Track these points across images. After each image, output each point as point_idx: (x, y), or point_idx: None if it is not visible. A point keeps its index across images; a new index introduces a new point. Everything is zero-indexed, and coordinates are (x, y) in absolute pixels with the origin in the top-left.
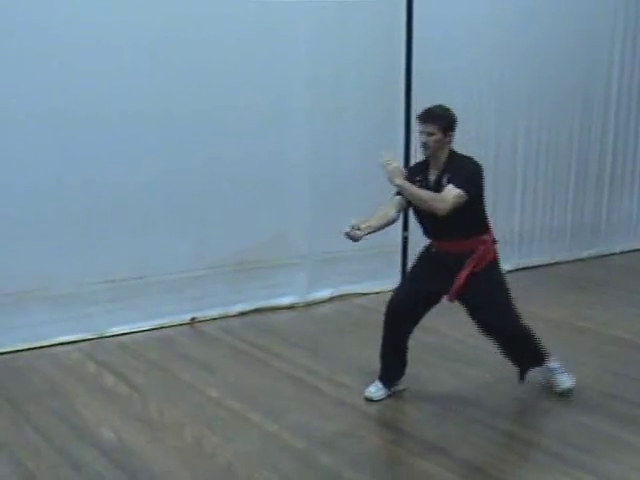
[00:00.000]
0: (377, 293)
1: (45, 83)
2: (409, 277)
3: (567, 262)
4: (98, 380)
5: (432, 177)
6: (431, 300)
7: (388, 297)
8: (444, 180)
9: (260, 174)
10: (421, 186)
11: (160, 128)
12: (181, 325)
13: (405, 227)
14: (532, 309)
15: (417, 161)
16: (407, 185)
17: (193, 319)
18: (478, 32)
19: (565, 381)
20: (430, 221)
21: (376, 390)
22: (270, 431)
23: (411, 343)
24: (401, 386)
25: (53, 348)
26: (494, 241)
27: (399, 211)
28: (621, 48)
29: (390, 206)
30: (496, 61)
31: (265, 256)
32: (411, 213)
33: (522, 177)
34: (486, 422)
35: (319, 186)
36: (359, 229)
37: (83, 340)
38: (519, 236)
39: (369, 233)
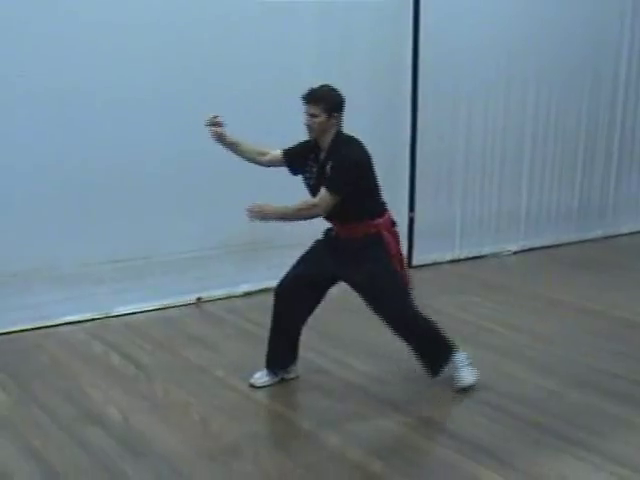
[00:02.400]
0: None
1: (49, 62)
2: (299, 260)
3: (574, 243)
4: (104, 360)
5: (321, 157)
6: (322, 284)
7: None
8: (327, 168)
9: None
10: (311, 166)
11: (166, 109)
12: (187, 305)
13: (411, 208)
14: (538, 290)
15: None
16: (277, 209)
17: (199, 299)
18: (485, 14)
19: (466, 377)
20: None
21: (260, 376)
22: (277, 411)
23: None
24: (292, 374)
25: (59, 328)
26: (392, 224)
27: (269, 163)
28: (630, 28)
29: (270, 152)
30: (503, 42)
31: (271, 236)
32: (418, 191)
33: (529, 158)
34: (493, 404)
35: None
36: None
37: (89, 320)
38: (525, 217)
39: (226, 142)
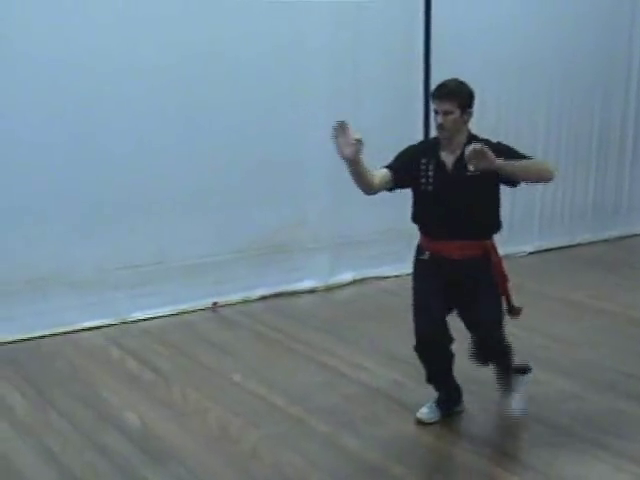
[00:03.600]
0: (398, 277)
1: (67, 73)
2: (424, 302)
3: (588, 243)
4: (122, 365)
5: (448, 161)
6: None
7: (408, 281)
8: (468, 167)
9: (280, 160)
10: (427, 170)
11: (182, 115)
12: (203, 310)
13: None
14: (553, 291)
15: (421, 140)
16: (508, 165)
17: (215, 304)
18: (498, 13)
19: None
20: (442, 212)
21: (429, 412)
22: (294, 415)
23: None
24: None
25: (77, 334)
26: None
27: (380, 188)
28: None
29: (375, 174)
30: (517, 41)
31: (286, 240)
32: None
33: (542, 158)
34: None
35: (339, 170)
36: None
37: (106, 325)
38: (540, 217)
39: (354, 165)
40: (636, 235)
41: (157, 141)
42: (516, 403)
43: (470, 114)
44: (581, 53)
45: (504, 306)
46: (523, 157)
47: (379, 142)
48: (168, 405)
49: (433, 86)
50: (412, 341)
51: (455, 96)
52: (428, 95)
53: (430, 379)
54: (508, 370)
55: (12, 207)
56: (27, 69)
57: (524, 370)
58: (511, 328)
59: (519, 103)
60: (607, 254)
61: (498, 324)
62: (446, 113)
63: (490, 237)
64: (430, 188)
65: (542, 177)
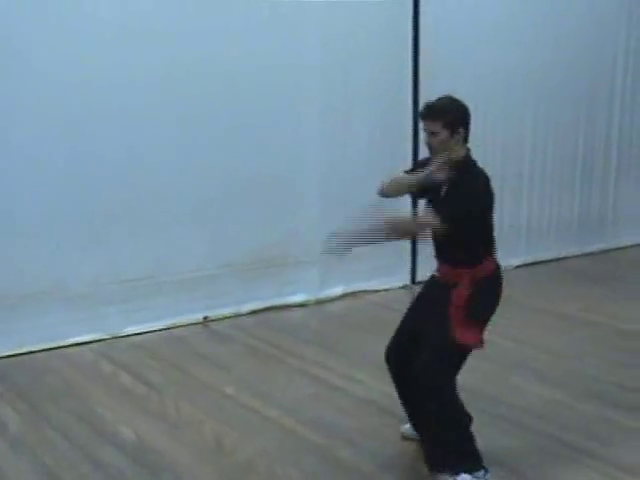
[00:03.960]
0: (387, 290)
1: (58, 83)
2: (400, 322)
3: (575, 256)
4: (114, 379)
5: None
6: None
7: (398, 294)
8: (442, 191)
9: (271, 175)
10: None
11: (173, 130)
12: (194, 324)
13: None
14: (541, 303)
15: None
16: (417, 224)
17: (206, 318)
18: (485, 29)
19: None
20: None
21: (409, 427)
22: (289, 427)
23: None
24: None
25: (68, 349)
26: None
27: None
28: (626, 37)
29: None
30: (503, 56)
31: (277, 254)
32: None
33: (529, 172)
34: (503, 416)
35: (329, 185)
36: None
37: (98, 340)
38: (527, 231)
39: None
40: (621, 248)
41: (150, 158)
42: None
43: (461, 133)
44: (566, 69)
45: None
46: (449, 211)
47: (369, 156)
48: (162, 418)
49: (422, 101)
50: None
51: (440, 117)
52: (417, 110)
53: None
54: (444, 437)
55: (4, 222)
56: (21, 83)
57: (474, 463)
58: (499, 339)
59: (506, 118)
60: (593, 267)
61: (435, 360)
62: (432, 134)
63: (464, 267)
64: (429, 205)
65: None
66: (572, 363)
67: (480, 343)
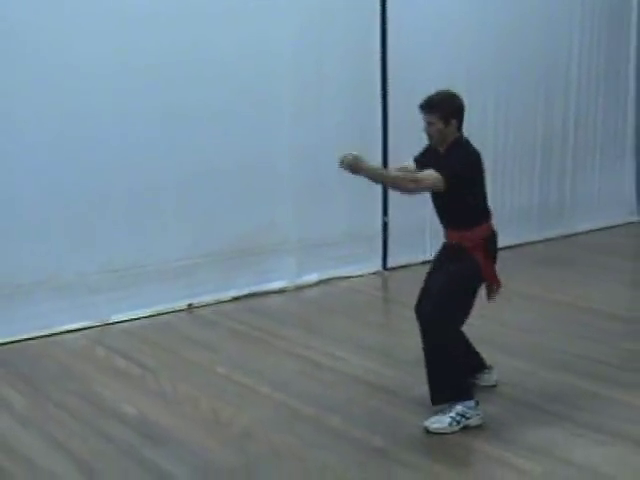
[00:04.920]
0: (360, 276)
1: (55, 79)
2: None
3: (535, 242)
4: (109, 363)
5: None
6: None
7: (370, 281)
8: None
9: (248, 167)
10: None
11: (157, 126)
12: (179, 311)
13: (385, 212)
14: (506, 285)
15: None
16: (372, 168)
17: (190, 305)
18: (447, 18)
19: (438, 424)
20: (435, 205)
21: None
22: (280, 400)
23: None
24: (483, 381)
25: (61, 335)
26: (485, 239)
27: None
28: (580, 30)
29: (405, 166)
30: (463, 51)
31: (255, 244)
32: (391, 196)
33: (491, 162)
34: (480, 386)
35: (303, 176)
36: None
37: (89, 327)
38: None
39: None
40: (578, 234)
41: (136, 151)
42: (435, 422)
43: (455, 124)
44: (523, 60)
45: (456, 297)
46: (443, 170)
47: (340, 146)
48: (160, 396)
49: (390, 90)
50: (379, 333)
51: (436, 109)
52: (386, 99)
53: None
54: (441, 376)
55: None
56: (17, 74)
57: (464, 395)
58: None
59: (468, 109)
60: (552, 252)
61: (436, 310)
62: (430, 124)
63: (467, 228)
64: None
65: (397, 185)
66: (537, 337)
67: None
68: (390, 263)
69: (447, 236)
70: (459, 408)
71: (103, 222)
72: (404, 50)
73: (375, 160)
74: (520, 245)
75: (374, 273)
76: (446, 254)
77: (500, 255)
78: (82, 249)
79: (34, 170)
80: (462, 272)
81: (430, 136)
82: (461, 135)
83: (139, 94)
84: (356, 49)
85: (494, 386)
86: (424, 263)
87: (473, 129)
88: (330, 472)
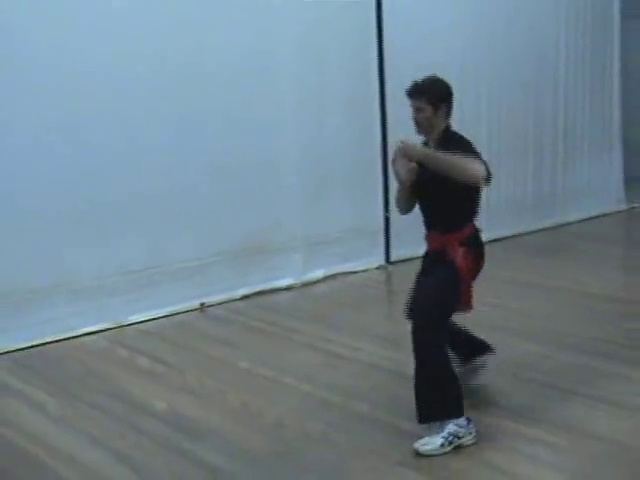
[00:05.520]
0: (364, 271)
1: (64, 86)
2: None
3: (529, 233)
4: (133, 362)
5: None
6: None
7: (374, 275)
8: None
9: (255, 169)
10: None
11: (167, 130)
12: (192, 310)
13: (386, 207)
14: (507, 274)
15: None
16: (429, 152)
17: (202, 304)
18: (442, 18)
19: (429, 446)
20: (421, 204)
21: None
22: (306, 391)
23: None
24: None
25: (81, 338)
26: (469, 241)
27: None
28: (566, 27)
29: None
30: (457, 47)
31: (262, 242)
32: (392, 192)
33: (485, 156)
34: (495, 368)
35: (309, 176)
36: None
37: (106, 329)
38: (486, 211)
39: (406, 189)
40: (570, 223)
41: (147, 156)
42: (426, 444)
43: (444, 110)
44: (513, 61)
45: (447, 301)
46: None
47: (342, 145)
48: (187, 391)
49: (388, 88)
50: (389, 323)
51: (425, 93)
52: (384, 97)
53: None
54: (429, 391)
55: (15, 222)
56: (24, 79)
57: (455, 413)
58: (476, 305)
59: (461, 105)
60: (547, 241)
61: (424, 315)
62: (418, 110)
63: (453, 230)
64: (417, 180)
65: (463, 175)
66: (545, 322)
67: (470, 305)
68: (393, 257)
69: (430, 241)
70: (451, 427)
71: (116, 226)
72: (400, 49)
73: (376, 170)
74: (515, 236)
75: (378, 267)
76: (429, 265)
77: (497, 246)
78: (97, 253)
79: (49, 176)
80: (447, 279)
81: (418, 124)
82: (450, 124)
83: (148, 99)
84: (355, 51)
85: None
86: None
87: (467, 124)
88: (363, 454)
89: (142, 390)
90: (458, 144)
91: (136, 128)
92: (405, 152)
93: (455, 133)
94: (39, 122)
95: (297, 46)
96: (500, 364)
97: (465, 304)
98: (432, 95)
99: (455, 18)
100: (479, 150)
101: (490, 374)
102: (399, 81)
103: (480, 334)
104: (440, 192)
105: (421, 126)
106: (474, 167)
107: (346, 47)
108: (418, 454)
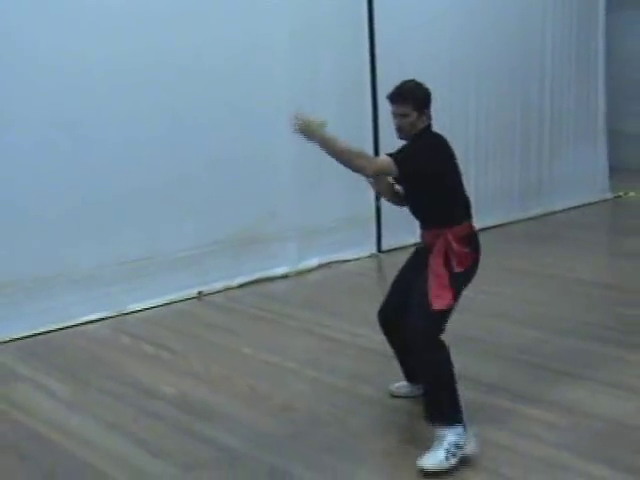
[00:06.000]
0: (357, 259)
1: (64, 84)
2: (390, 285)
3: (517, 221)
4: (137, 349)
5: None
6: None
7: (367, 263)
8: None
9: (250, 160)
10: None
11: (162, 123)
12: (190, 299)
13: (377, 198)
14: (499, 262)
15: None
16: (326, 137)
17: (200, 292)
18: (430, 10)
19: (432, 460)
20: (409, 203)
21: (400, 386)
22: (311, 376)
23: None
24: None
25: (83, 326)
26: (463, 239)
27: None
28: (552, 21)
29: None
30: (446, 39)
31: (258, 232)
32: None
33: (474, 146)
34: (496, 353)
35: (303, 167)
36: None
37: (107, 318)
38: (475, 201)
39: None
40: (557, 212)
41: (144, 149)
42: (429, 459)
43: (427, 115)
44: (500, 54)
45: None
46: (396, 154)
47: (334, 130)
48: (194, 377)
49: (379, 81)
50: None
51: (409, 99)
52: (375, 89)
53: (396, 352)
54: (432, 390)
55: (16, 213)
56: (23, 77)
57: (453, 419)
58: (471, 293)
59: (451, 97)
60: (536, 229)
61: (421, 314)
62: (403, 116)
63: (441, 226)
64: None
65: (349, 165)
66: (541, 308)
67: (451, 303)
68: (384, 246)
69: (421, 235)
70: (451, 438)
71: (115, 218)
72: (390, 43)
73: (366, 150)
74: (503, 225)
75: (369, 256)
76: (422, 259)
77: (487, 235)
78: (95, 243)
79: (50, 170)
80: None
81: (401, 129)
82: (430, 125)
83: (145, 94)
84: (347, 45)
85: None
86: (415, 245)
87: (456, 116)
88: (374, 434)
89: (149, 376)
90: (411, 143)
91: (133, 122)
92: (303, 130)
93: (426, 134)
94: (40, 118)
95: (291, 40)
96: (494, 348)
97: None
98: (417, 100)
99: (443, 10)
100: (450, 152)
101: (484, 357)
102: (389, 73)
103: (478, 321)
104: (412, 191)
105: (403, 131)
106: (363, 160)
107: (338, 41)
108: (425, 473)
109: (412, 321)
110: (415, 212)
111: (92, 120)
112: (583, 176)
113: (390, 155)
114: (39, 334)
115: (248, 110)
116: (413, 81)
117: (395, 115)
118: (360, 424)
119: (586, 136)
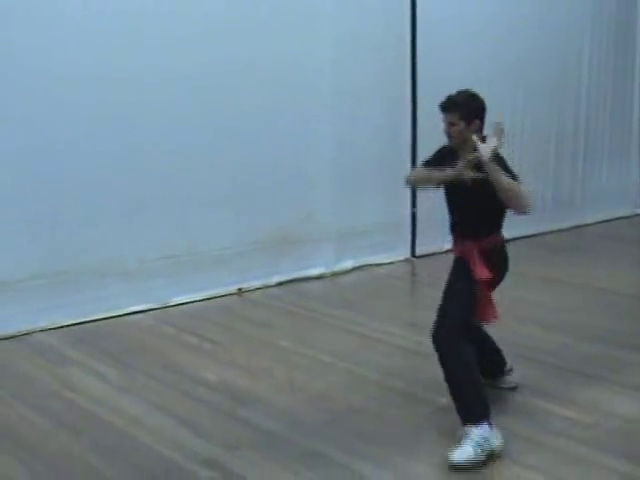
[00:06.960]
0: (391, 263)
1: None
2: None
3: (549, 232)
4: (180, 339)
5: None
6: None
7: (400, 267)
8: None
9: (291, 163)
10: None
11: (212, 129)
12: (230, 295)
13: (413, 204)
14: (529, 271)
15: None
16: (496, 172)
17: (240, 289)
18: (472, 24)
19: (461, 454)
20: (454, 209)
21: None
22: (346, 369)
23: None
24: (505, 384)
25: (129, 316)
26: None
27: None
28: (590, 43)
29: None
30: (485, 53)
31: (296, 233)
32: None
33: (509, 159)
34: (524, 355)
35: (341, 171)
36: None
37: (151, 309)
38: (509, 211)
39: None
40: (588, 225)
41: (194, 154)
42: (459, 454)
43: (477, 125)
44: (540, 64)
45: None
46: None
47: (375, 142)
48: (234, 366)
49: (419, 91)
50: (417, 311)
51: (457, 109)
52: (415, 100)
53: None
54: (457, 391)
55: (69, 210)
56: (78, 87)
57: (479, 416)
58: (498, 299)
59: (488, 111)
60: (567, 240)
61: (449, 320)
62: (451, 124)
63: (475, 238)
64: (450, 191)
65: (518, 203)
66: (568, 315)
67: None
68: (418, 251)
69: (454, 245)
70: (478, 434)
71: (163, 216)
72: (432, 58)
73: (404, 157)
74: (535, 235)
75: (403, 260)
76: (455, 271)
77: (519, 244)
78: (141, 238)
79: (102, 169)
80: (470, 288)
81: (450, 137)
82: (484, 137)
83: (194, 101)
84: (389, 54)
85: (514, 388)
86: (447, 252)
87: (492, 127)
88: (407, 424)
89: (192, 364)
90: (500, 163)
91: (184, 129)
92: (483, 150)
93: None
94: (89, 116)
95: (335, 47)
96: (522, 350)
97: (484, 314)
98: (465, 110)
99: (483, 24)
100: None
101: (513, 359)
102: (430, 87)
103: (506, 326)
104: (474, 200)
105: (453, 138)
106: (528, 198)
107: (381, 52)
108: (455, 467)
109: (441, 332)
110: (465, 221)
111: (149, 126)
112: (615, 191)
113: (514, 178)
114: (88, 322)
115: (292, 114)
116: (466, 91)
117: (444, 122)
118: (391, 415)
119: (619, 151)
